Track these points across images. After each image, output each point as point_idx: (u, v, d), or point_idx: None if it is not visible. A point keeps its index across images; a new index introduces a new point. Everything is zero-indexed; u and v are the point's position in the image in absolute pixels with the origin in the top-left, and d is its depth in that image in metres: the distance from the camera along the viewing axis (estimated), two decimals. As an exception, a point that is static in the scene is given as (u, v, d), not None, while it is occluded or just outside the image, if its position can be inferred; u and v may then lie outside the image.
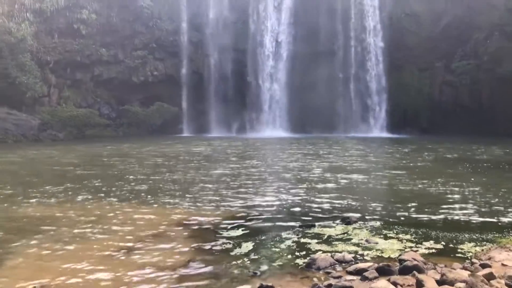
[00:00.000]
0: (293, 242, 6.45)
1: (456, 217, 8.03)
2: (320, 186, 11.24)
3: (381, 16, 34.48)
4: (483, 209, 8.61)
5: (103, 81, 34.79)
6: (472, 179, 12.27)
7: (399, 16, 34.67)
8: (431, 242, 6.42)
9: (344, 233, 6.92)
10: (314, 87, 33.62)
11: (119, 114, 34.54)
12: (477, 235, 6.80)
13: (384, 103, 34.50)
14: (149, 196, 9.85)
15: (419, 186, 11.23)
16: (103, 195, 10.02)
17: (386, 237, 6.66)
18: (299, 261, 5.62)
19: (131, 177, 12.68)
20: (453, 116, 33.66)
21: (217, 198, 9.72)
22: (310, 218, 7.91)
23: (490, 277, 4.67)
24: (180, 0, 34.91)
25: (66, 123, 31.82)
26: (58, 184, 11.37)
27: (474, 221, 7.75)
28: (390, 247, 6.20)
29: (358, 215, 8.13)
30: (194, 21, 35.33)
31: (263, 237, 6.70)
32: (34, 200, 9.46)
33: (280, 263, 5.61)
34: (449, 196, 9.99)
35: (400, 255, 5.72)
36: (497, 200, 9.51)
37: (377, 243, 6.37)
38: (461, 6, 33.63)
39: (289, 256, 5.84)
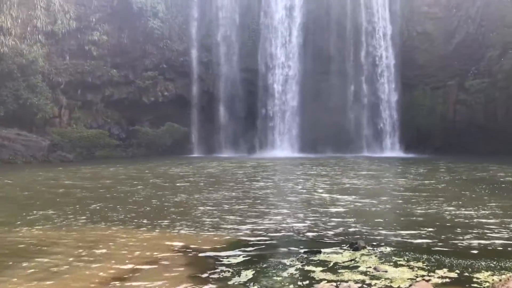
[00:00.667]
0: (296, 270, 6.02)
1: (472, 243, 7.52)
2: (328, 209, 10.78)
3: (393, 34, 34.25)
4: (501, 235, 8.09)
5: (113, 101, 34.88)
6: (489, 201, 11.72)
7: (411, 34, 34.40)
8: (445, 270, 5.94)
9: (351, 260, 6.47)
10: (325, 107, 33.25)
11: (129, 135, 34.48)
12: (494, 263, 6.31)
13: (396, 122, 34.01)
14: (148, 220, 9.48)
15: (433, 209, 10.72)
16: (100, 219, 9.68)
17: (396, 265, 6.20)
18: (301, 292, 5.20)
19: (132, 199, 12.35)
20: (468, 136, 32.99)
21: (219, 222, 9.32)
22: (316, 244, 7.47)
23: (511, 313, 4.21)
24: (190, 21, 35.07)
25: (76, 144, 31.82)
26: (57, 207, 11.06)
27: (491, 248, 7.24)
28: (400, 275, 5.74)
29: (367, 240, 7.67)
30: (204, 41, 35.45)
31: (264, 265, 6.28)
32: (30, 224, 9.15)
33: (281, 294, 5.20)
34: (465, 220, 9.47)
35: (410, 285, 5.27)
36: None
37: (386, 271, 5.91)
38: (473, 24, 33.28)
39: (291, 286, 5.41)
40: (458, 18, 33.69)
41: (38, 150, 28.79)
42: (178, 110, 35.24)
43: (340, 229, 8.58)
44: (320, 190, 13.93)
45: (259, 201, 11.96)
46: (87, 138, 32.51)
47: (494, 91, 32.24)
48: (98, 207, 11.08)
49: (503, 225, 8.82)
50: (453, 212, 10.26)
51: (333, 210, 10.63)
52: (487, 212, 10.30)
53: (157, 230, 8.58)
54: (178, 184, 15.83)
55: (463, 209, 10.61)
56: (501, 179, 16.93)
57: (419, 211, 10.47)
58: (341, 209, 10.70)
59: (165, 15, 34.33)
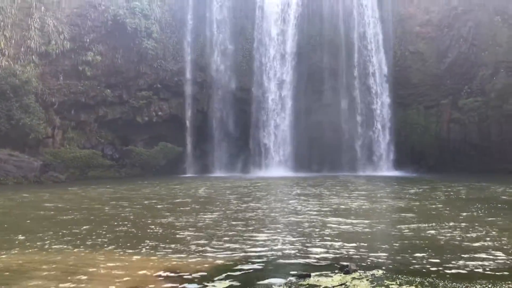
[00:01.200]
0: (284, 295, 5.82)
1: (467, 266, 7.33)
2: (319, 231, 10.57)
3: (385, 54, 34.45)
4: (496, 257, 7.90)
5: (107, 121, 34.71)
6: (485, 222, 11.56)
7: (403, 54, 34.62)
8: (439, 295, 5.75)
9: (341, 284, 6.27)
10: (320, 126, 33.24)
11: (123, 155, 34.22)
12: (490, 286, 6.12)
13: (391, 141, 33.97)
14: (133, 244, 9.23)
15: (427, 230, 10.53)
16: (83, 242, 9.44)
17: (388, 290, 6.00)
18: (288, 321, 4.98)
19: (117, 222, 12.08)
20: (462, 154, 32.99)
21: (206, 245, 9.08)
22: (306, 267, 7.26)
23: None
24: (184, 41, 35.16)
25: (68, 164, 31.51)
26: (40, 230, 10.79)
27: (487, 270, 7.05)
28: (392, 301, 5.55)
29: (359, 263, 7.46)
30: (198, 61, 35.52)
31: (252, 290, 6.07)
32: (10, 248, 8.87)
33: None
34: (460, 241, 9.29)
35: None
36: None
37: (377, 296, 5.72)
38: (465, 43, 33.54)
39: (278, 313, 5.20)
40: (450, 37, 33.96)
41: (30, 170, 28.49)
42: (172, 130, 35.12)
43: (331, 252, 8.37)
44: (312, 211, 13.71)
45: (248, 223, 11.73)
46: (80, 159, 32.22)
47: (487, 110, 32.34)
48: (81, 230, 10.82)
49: (499, 247, 8.64)
50: (448, 233, 10.07)
51: (324, 232, 10.42)
52: (482, 233, 10.13)
53: (141, 254, 8.34)
54: (166, 206, 15.56)
55: (458, 230, 10.44)
56: (496, 199, 16.79)
57: (413, 232, 10.28)
58: (333, 231, 10.49)
59: (159, 36, 34.43)
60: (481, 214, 12.95)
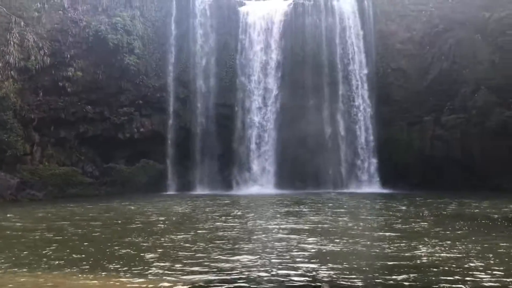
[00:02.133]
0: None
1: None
2: (296, 251, 10.23)
3: (368, 70, 34.59)
4: (480, 278, 7.63)
5: (88, 138, 34.12)
6: (468, 240, 11.34)
7: (386, 71, 34.79)
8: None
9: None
10: (303, 143, 33.10)
11: (103, 172, 33.59)
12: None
13: (374, 158, 33.91)
14: (91, 266, 8.80)
15: (410, 249, 10.25)
16: (43, 264, 8.97)
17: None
18: None
19: (84, 243, 11.61)
20: (445, 171, 32.98)
21: (176, 267, 8.68)
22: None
23: None
24: (167, 57, 34.91)
25: (47, 182, 30.79)
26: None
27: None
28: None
29: (335, 284, 7.13)
30: (181, 77, 35.24)
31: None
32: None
33: None
34: (443, 261, 9.02)
35: None
36: (498, 264, 8.53)
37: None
38: (447, 61, 33.80)
39: None
40: (431, 54, 34.25)
41: (6, 189, 27.73)
42: (154, 147, 34.63)
43: (306, 274, 8.03)
44: (290, 230, 13.38)
45: (220, 244, 11.32)
46: (59, 176, 31.53)
47: (469, 127, 32.48)
48: (43, 251, 10.33)
49: (483, 267, 8.39)
50: (431, 253, 9.81)
51: (301, 252, 10.08)
52: (466, 252, 9.88)
53: (97, 279, 7.88)
54: (139, 225, 15.07)
55: (442, 249, 10.18)
56: (480, 216, 16.65)
57: (394, 252, 10.00)
58: (310, 251, 10.16)
59: (142, 52, 34.14)
60: (465, 232, 12.76)
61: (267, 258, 9.43)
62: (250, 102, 34.86)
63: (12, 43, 30.36)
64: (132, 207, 21.37)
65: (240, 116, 34.85)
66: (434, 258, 9.21)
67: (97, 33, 32.16)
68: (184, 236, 12.51)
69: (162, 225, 14.88)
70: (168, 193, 32.56)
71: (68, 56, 32.23)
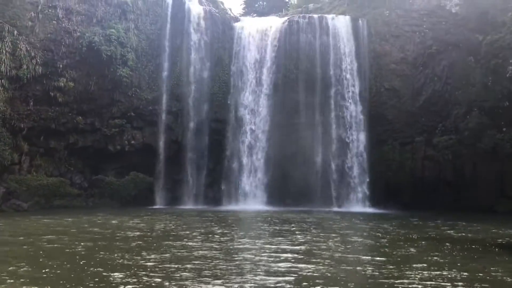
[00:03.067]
0: None
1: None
2: (275, 274, 9.93)
3: (361, 90, 34.59)
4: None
5: (78, 149, 33.80)
6: (458, 264, 11.10)
7: (379, 90, 34.83)
8: None
9: None
10: (295, 160, 32.97)
11: (92, 184, 33.22)
12: None
13: (366, 177, 33.70)
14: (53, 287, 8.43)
15: (396, 275, 9.97)
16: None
17: None
18: None
19: (53, 259, 11.18)
20: (436, 192, 32.86)
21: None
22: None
23: None
24: (160, 70, 34.81)
25: (34, 192, 30.37)
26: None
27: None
28: None
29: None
30: (174, 90, 35.09)
31: None
32: None
33: None
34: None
35: None
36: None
37: None
38: (440, 82, 33.92)
39: None
40: (425, 75, 34.34)
41: (-9, 198, 27.29)
42: (144, 160, 34.31)
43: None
44: (274, 251, 13.09)
45: (194, 266, 10.80)
46: (47, 187, 31.11)
47: (461, 148, 32.44)
48: (10, 267, 9.97)
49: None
50: (418, 279, 9.54)
51: (282, 277, 9.79)
52: (454, 279, 9.63)
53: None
54: (116, 243, 14.47)
55: (429, 276, 9.92)
56: (470, 240, 16.44)
57: (379, 278, 9.73)
58: (291, 275, 9.87)
59: (135, 64, 34.04)
60: (455, 258, 12.52)
61: (243, 282, 9.14)
62: (242, 118, 34.73)
63: (4, 51, 30.15)
64: (114, 221, 20.94)
65: (232, 132, 34.68)
66: (421, 285, 8.98)
67: (90, 44, 32.05)
68: (160, 255, 12.14)
69: (140, 242, 14.43)
70: (156, 207, 32.18)
71: (61, 66, 32.06)
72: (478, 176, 31.76)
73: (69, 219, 21.59)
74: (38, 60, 31.39)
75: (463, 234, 18.07)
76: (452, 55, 33.76)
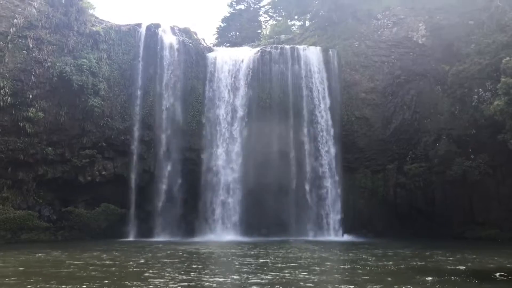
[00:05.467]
0: None
1: None
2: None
3: (333, 118, 35.07)
4: None
5: (47, 181, 32.93)
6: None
7: (350, 119, 35.41)
8: None
9: None
10: (269, 189, 32.92)
11: (61, 217, 32.30)
12: None
13: (339, 205, 33.88)
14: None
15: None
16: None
17: None
18: None
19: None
20: (409, 219, 33.27)
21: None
22: None
23: None
24: (133, 99, 34.51)
25: (0, 226, 29.33)
26: None
27: None
28: None
29: None
30: (146, 120, 34.77)
31: None
32: None
33: None
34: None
35: None
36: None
37: None
38: (409, 110, 34.77)
39: None
40: (394, 104, 35.15)
41: (-47, 233, 26.19)
42: (116, 191, 33.65)
43: None
44: (247, 285, 12.87)
45: None
46: (13, 220, 30.10)
47: (431, 175, 33.06)
48: None
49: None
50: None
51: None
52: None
53: None
54: (76, 282, 13.65)
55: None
56: (443, 268, 16.54)
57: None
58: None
59: (107, 93, 33.70)
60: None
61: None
62: (216, 147, 34.66)
63: (-29, 81, 29.50)
64: (79, 256, 20.09)
65: (206, 161, 34.49)
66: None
67: (61, 74, 31.69)
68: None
69: (102, 282, 13.69)
70: (127, 239, 31.42)
71: (30, 96, 31.47)
72: (448, 203, 32.31)
73: (31, 257, 20.63)
74: (7, 90, 30.71)
75: (435, 263, 18.18)
76: (420, 84, 34.75)
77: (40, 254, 21.15)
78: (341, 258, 20.82)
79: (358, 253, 21.91)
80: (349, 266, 17.52)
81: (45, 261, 18.94)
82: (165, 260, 19.25)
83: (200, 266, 17.41)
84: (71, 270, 16.09)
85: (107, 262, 18.48)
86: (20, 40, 31.68)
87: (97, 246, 24.98)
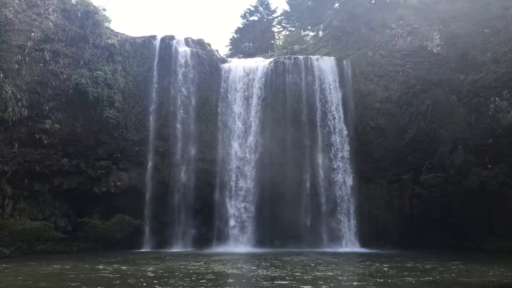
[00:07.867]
0: None
1: None
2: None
3: (348, 129, 34.87)
4: None
5: (62, 192, 33.23)
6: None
7: (365, 129, 35.16)
8: None
9: None
10: (284, 200, 32.82)
11: (76, 227, 32.46)
12: None
13: (354, 216, 33.55)
14: None
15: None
16: None
17: None
18: None
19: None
20: (425, 230, 32.77)
21: None
22: None
23: None
24: (147, 111, 34.73)
25: (16, 237, 29.56)
26: None
27: None
28: None
29: None
30: (161, 131, 34.95)
31: None
32: None
33: None
34: None
35: None
36: None
37: None
38: (424, 120, 34.40)
39: None
40: (409, 114, 34.81)
41: (-29, 245, 26.46)
42: (130, 201, 33.71)
43: None
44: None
45: None
46: (30, 231, 30.33)
47: (447, 186, 32.60)
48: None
49: None
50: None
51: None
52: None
53: None
54: None
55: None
56: (464, 283, 16.19)
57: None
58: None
59: (122, 105, 34.03)
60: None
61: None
62: (230, 157, 34.62)
63: (-11, 94, 29.96)
64: (98, 267, 20.10)
65: (220, 173, 34.45)
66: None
67: (77, 86, 32.06)
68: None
69: None
70: (143, 250, 31.44)
71: (47, 108, 31.89)
72: (465, 213, 31.77)
73: (45, 268, 20.80)
74: (24, 103, 31.18)
75: (459, 277, 17.80)
76: (435, 93, 34.42)
77: (55, 266, 21.18)
78: (355, 271, 20.38)
79: (374, 266, 21.51)
80: (364, 280, 17.21)
81: (64, 274, 18.96)
82: (176, 273, 19.02)
83: (207, 279, 17.26)
84: (84, 279, 16.06)
85: (111, 276, 18.39)
86: (37, 53, 32.16)
87: (110, 258, 24.94)
